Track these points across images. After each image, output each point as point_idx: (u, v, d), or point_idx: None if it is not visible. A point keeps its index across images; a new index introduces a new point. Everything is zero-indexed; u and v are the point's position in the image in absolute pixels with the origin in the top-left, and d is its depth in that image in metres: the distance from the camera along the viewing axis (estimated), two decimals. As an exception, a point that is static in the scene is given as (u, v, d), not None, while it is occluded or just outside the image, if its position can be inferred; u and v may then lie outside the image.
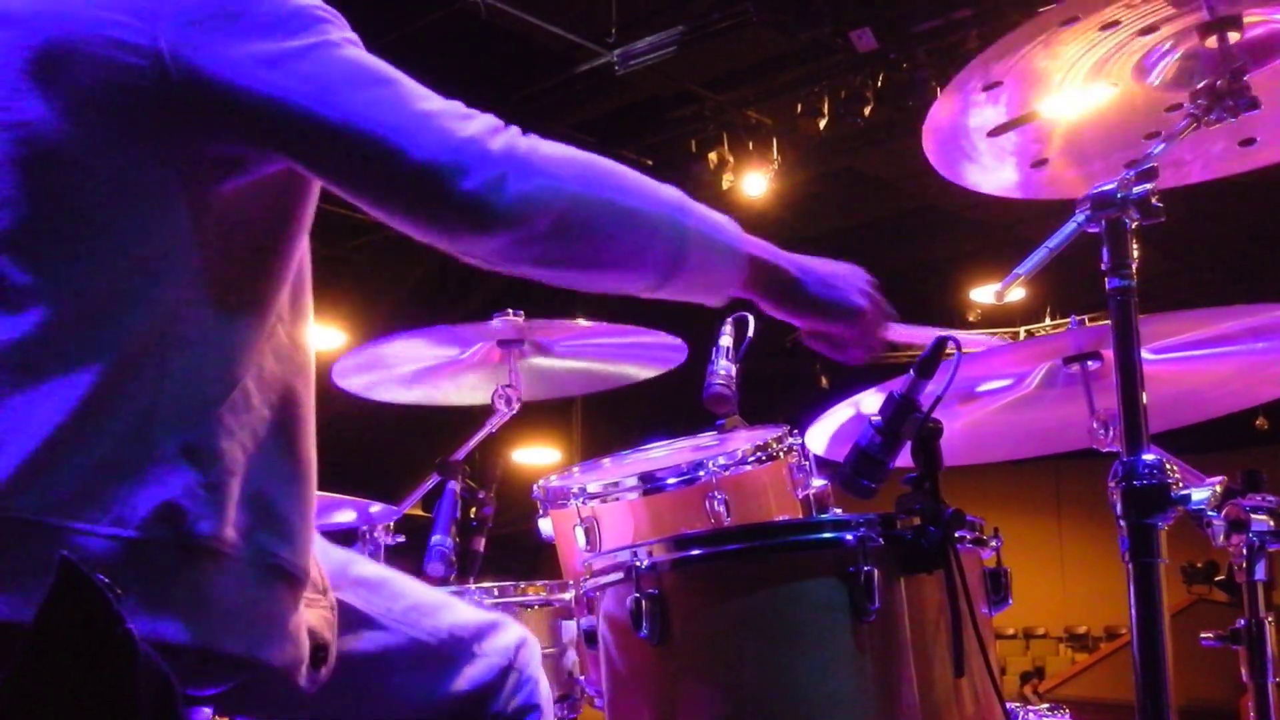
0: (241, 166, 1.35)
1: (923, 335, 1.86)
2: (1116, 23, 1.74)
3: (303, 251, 1.46)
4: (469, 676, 1.64)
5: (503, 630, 1.70)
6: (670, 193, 1.45)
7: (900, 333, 1.79)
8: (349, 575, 1.60)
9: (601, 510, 2.38)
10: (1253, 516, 1.62)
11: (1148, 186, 1.57)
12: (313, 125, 1.30)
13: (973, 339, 2.03)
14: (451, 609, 1.68)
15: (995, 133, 1.91)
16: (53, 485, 1.25)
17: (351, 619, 1.57)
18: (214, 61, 1.29)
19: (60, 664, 1.13)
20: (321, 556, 1.56)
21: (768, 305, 1.59)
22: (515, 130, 1.36)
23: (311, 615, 1.44)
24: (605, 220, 1.38)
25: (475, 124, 1.33)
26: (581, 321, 2.75)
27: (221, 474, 1.32)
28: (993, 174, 2.01)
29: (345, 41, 1.36)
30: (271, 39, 1.31)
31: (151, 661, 1.16)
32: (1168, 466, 1.53)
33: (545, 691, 1.72)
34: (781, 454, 2.37)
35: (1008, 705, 1.83)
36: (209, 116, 1.31)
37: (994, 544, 1.91)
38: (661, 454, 2.66)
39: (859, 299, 1.62)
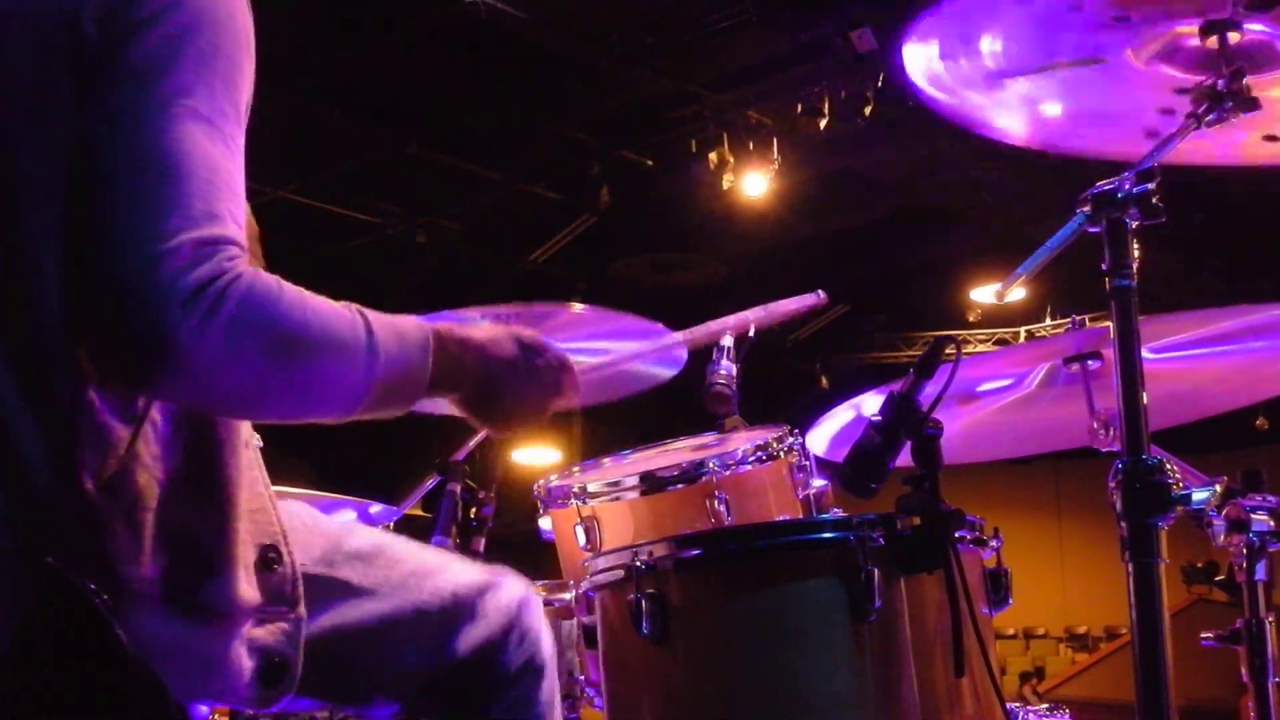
0: None
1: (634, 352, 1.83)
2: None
3: None
4: (472, 637, 1.64)
5: (504, 588, 1.70)
6: (354, 344, 1.35)
7: (613, 360, 1.79)
8: (344, 550, 1.59)
9: (601, 510, 2.38)
10: (1253, 516, 1.62)
11: (1148, 186, 1.57)
12: (92, 170, 1.24)
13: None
14: (452, 570, 1.68)
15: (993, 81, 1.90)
16: None
17: (349, 594, 1.56)
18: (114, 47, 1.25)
19: (49, 669, 1.12)
20: (315, 533, 1.56)
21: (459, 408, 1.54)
22: (235, 290, 1.23)
23: (265, 632, 1.40)
24: (285, 393, 1.32)
25: (191, 273, 1.21)
26: (576, 307, 2.71)
27: (140, 511, 1.29)
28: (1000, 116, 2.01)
29: (198, 113, 1.26)
30: (144, 65, 1.25)
31: (144, 665, 1.16)
32: (1168, 466, 1.53)
33: (548, 646, 1.71)
34: (782, 454, 2.37)
35: (1008, 705, 1.84)
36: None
37: (994, 544, 1.91)
38: (661, 454, 2.65)
39: (531, 406, 1.57)
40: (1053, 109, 1.98)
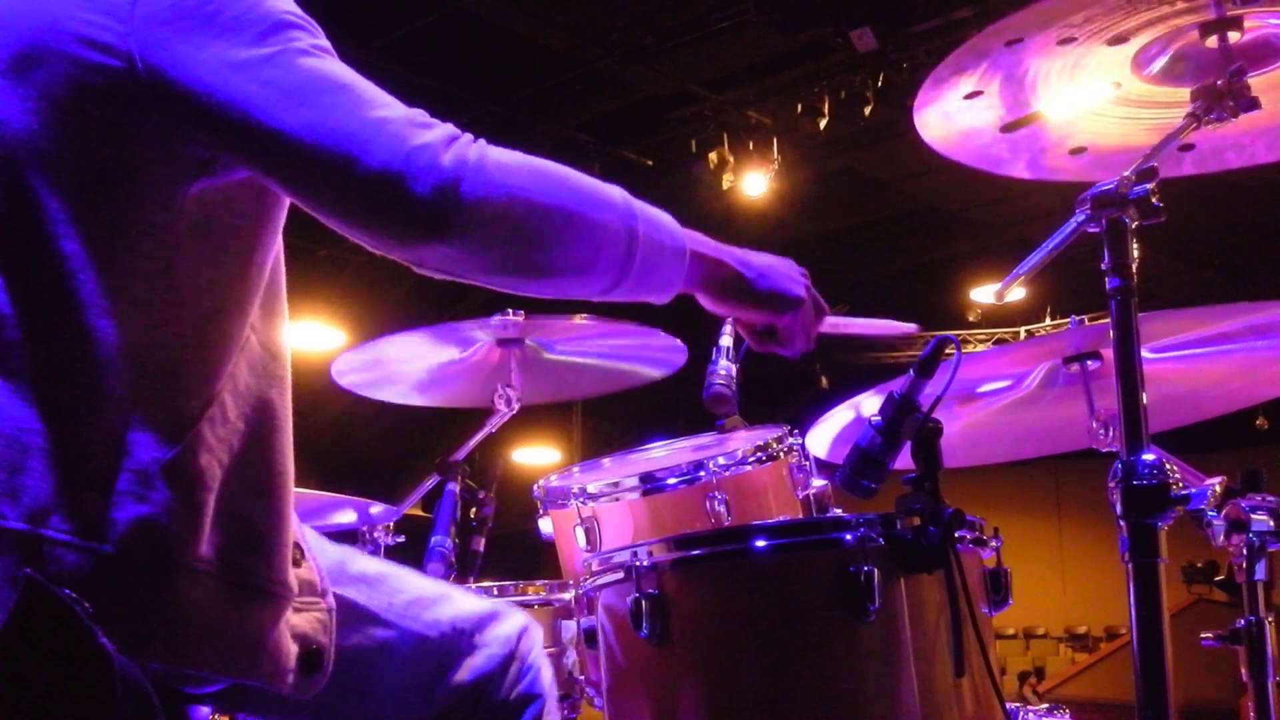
0: (210, 170, 1.33)
1: (876, 326, 1.88)
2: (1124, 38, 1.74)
3: (276, 255, 1.44)
4: (470, 667, 1.64)
5: (504, 619, 1.70)
6: (618, 195, 1.42)
7: (855, 326, 1.82)
8: (348, 571, 1.60)
9: (601, 510, 2.38)
10: (1253, 516, 1.62)
11: (1148, 186, 1.57)
12: (268, 132, 1.27)
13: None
14: (452, 601, 1.68)
15: (1008, 129, 1.90)
16: (26, 490, 1.24)
17: (352, 615, 1.56)
18: (180, 62, 1.28)
19: (33, 679, 1.12)
20: (319, 554, 1.56)
21: (708, 300, 1.58)
22: (469, 138, 1.33)
23: (303, 620, 1.43)
24: (558, 228, 1.35)
25: (430, 133, 1.30)
26: (580, 319, 2.74)
27: (200, 491, 1.31)
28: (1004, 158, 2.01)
29: (313, 49, 1.33)
30: (239, 43, 1.29)
31: (129, 674, 1.15)
32: (1168, 466, 1.53)
33: (548, 678, 1.71)
34: (781, 454, 2.37)
35: (1008, 705, 1.83)
36: (175, 118, 1.29)
37: (994, 544, 1.91)
38: (661, 454, 2.65)
39: (796, 289, 1.64)
40: (1085, 142, 1.98)
